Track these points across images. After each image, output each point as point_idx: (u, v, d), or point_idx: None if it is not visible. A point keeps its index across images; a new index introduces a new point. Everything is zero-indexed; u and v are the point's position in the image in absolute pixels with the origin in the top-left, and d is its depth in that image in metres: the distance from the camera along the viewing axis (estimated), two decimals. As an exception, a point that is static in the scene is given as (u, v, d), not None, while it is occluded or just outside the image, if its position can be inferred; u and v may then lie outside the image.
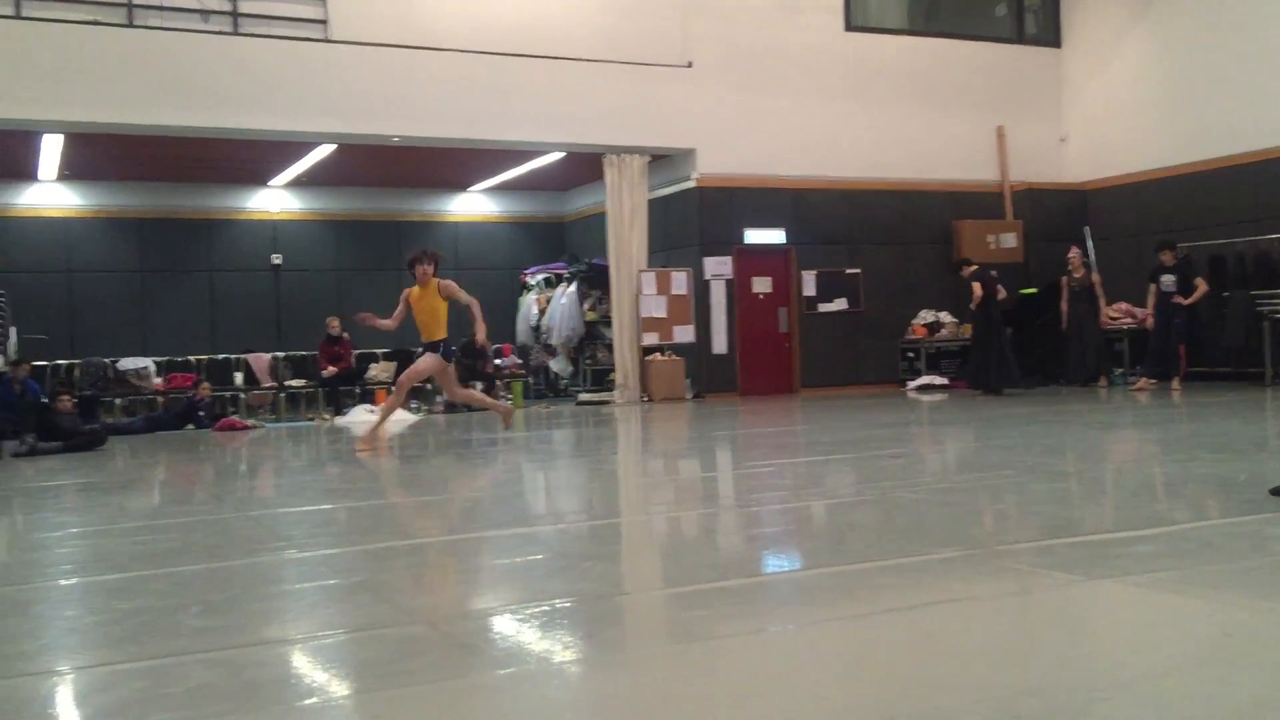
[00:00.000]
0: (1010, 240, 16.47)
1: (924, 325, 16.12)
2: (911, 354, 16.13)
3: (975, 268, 14.01)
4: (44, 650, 3.00)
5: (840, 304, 16.01)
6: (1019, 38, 17.13)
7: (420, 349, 9.45)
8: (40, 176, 15.61)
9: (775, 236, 15.73)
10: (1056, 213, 16.52)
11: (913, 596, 3.25)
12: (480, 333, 9.74)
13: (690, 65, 15.03)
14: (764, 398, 15.10)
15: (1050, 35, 17.19)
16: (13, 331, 14.16)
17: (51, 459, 9.39)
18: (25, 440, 9.93)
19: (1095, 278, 14.61)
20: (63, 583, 4.04)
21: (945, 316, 16.16)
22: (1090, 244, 15.86)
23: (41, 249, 15.93)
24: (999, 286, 13.86)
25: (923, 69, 16.30)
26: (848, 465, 6.89)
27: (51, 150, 14.02)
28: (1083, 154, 16.79)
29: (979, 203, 16.60)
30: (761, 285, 15.88)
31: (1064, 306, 14.60)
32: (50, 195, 16.06)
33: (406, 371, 9.66)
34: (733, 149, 15.24)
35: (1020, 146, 16.74)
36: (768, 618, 3.09)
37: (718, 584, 3.46)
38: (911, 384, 15.59)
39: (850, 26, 16.06)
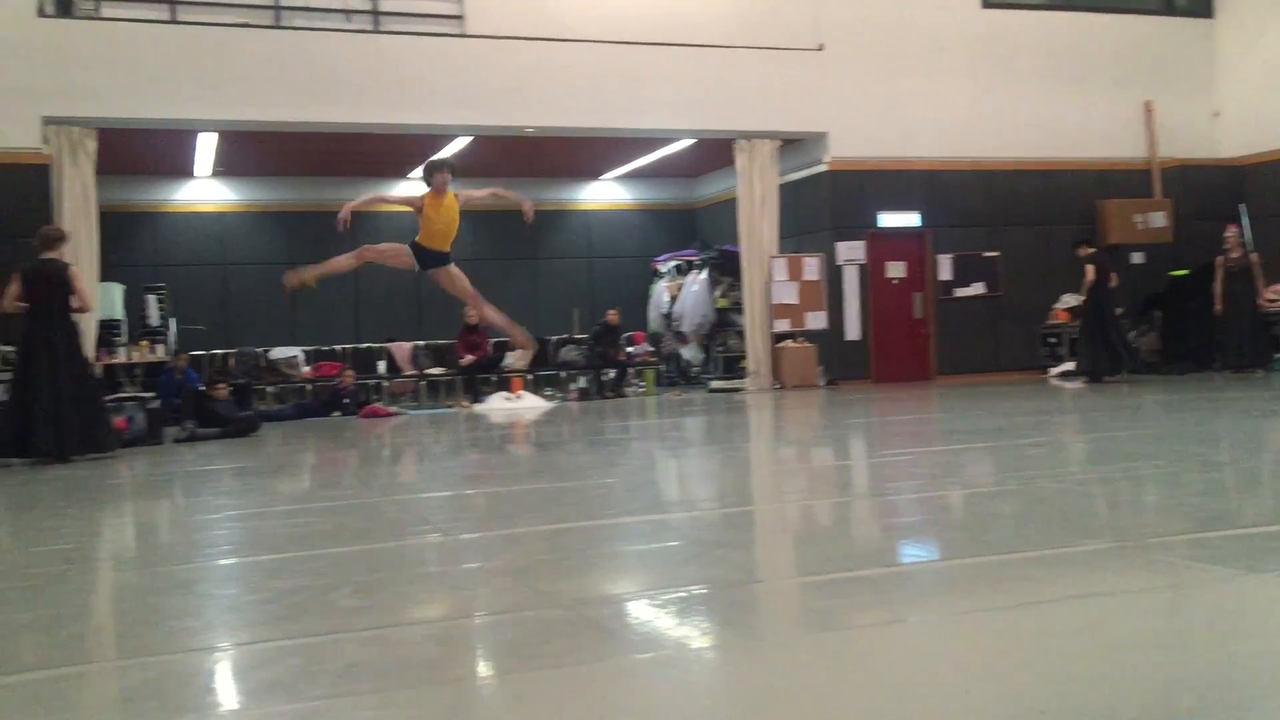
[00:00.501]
0: (1159, 219, 15.83)
1: (1067, 310, 15.62)
2: (1053, 339, 15.66)
3: (1093, 250, 13.63)
4: (206, 627, 3.17)
5: (978, 288, 15.64)
6: (1168, 9, 16.44)
7: (436, 257, 8.71)
8: (196, 173, 16.35)
9: (910, 220, 15.46)
10: (1209, 190, 15.81)
11: (1059, 589, 3.17)
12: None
13: (822, 48, 14.86)
14: (898, 385, 14.86)
15: (1202, 6, 16.45)
16: (172, 323, 14.90)
17: (209, 444, 9.85)
18: (185, 426, 10.45)
19: (1253, 258, 13.94)
20: (222, 562, 4.25)
21: (1089, 300, 15.61)
22: (1246, 222, 15.14)
23: (198, 243, 16.69)
24: (1113, 274, 13.55)
25: (1064, 44, 15.78)
26: (987, 454, 6.75)
27: (206, 148, 14.68)
28: (1237, 129, 16.02)
29: (1125, 181, 15.99)
30: (896, 270, 15.62)
31: (1218, 288, 13.94)
32: (205, 191, 16.80)
33: (471, 294, 8.99)
34: (865, 131, 15.02)
35: (1170, 122, 16.06)
36: (907, 608, 3.06)
37: (854, 573, 3.43)
38: (1054, 371, 15.14)
39: (987, 3, 15.66)
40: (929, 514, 4.70)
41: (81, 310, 8.90)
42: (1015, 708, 2.17)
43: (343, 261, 8.56)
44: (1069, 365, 15.03)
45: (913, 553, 3.90)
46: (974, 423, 8.96)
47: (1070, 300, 15.69)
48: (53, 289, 8.58)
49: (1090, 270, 13.41)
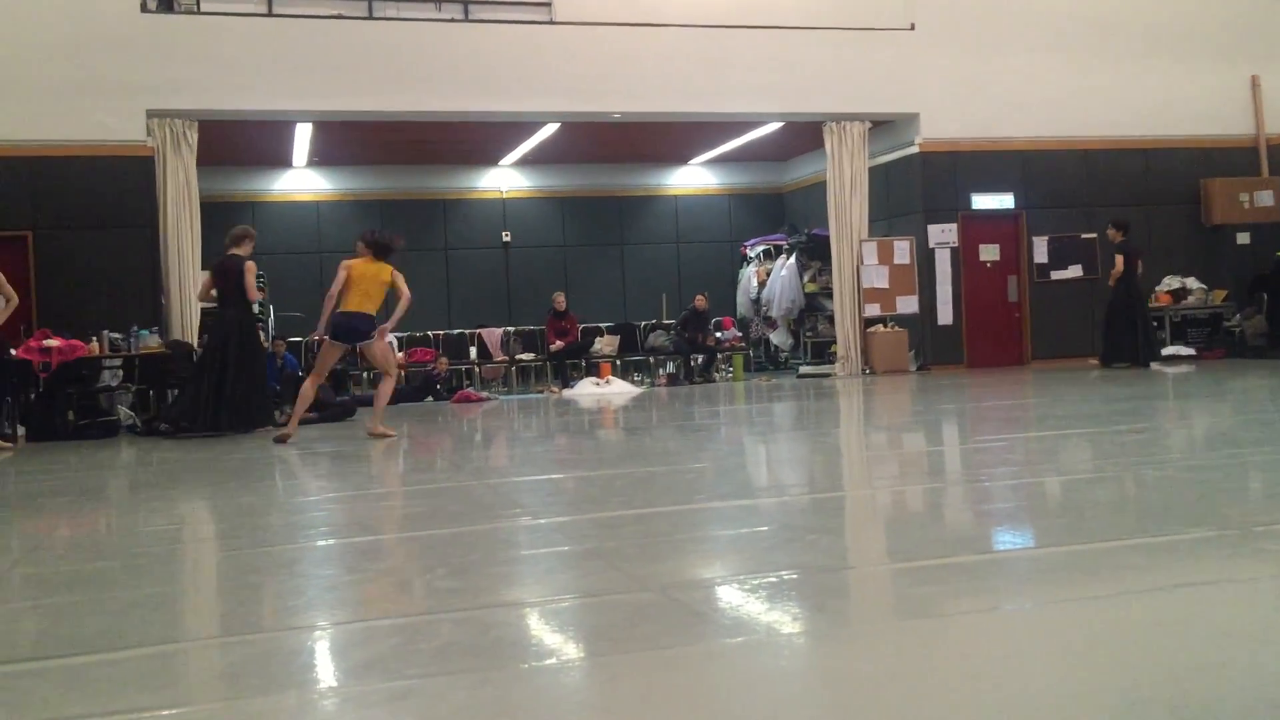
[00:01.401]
0: (1267, 198, 15.29)
1: (1168, 292, 15.20)
2: (1155, 323, 15.24)
3: (1125, 238, 13.44)
4: (307, 606, 3.25)
5: (1074, 271, 15.28)
6: (1276, -21, 15.83)
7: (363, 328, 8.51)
8: (293, 163, 16.71)
9: (1004, 201, 15.16)
10: (1320, 167, 15.23)
11: (1160, 577, 3.10)
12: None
13: (913, 27, 14.63)
14: (992, 370, 14.60)
15: (1314, -26, 15.81)
16: (271, 310, 15.27)
17: (307, 429, 10.08)
18: (284, 411, 10.70)
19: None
20: (320, 543, 4.35)
21: (1192, 282, 15.19)
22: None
23: (294, 231, 17.07)
24: (1139, 261, 13.59)
25: (1166, 17, 15.29)
26: (1085, 440, 6.60)
27: (302, 138, 14.99)
28: (1351, 102, 15.39)
29: (1231, 159, 15.47)
30: (989, 253, 15.33)
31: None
32: (301, 180, 17.17)
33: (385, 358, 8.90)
34: (958, 111, 14.75)
35: (1277, 97, 15.49)
36: (1001, 596, 3.02)
37: (948, 560, 3.39)
38: (1154, 355, 14.72)
39: (1086, -23, 15.24)
40: (1024, 500, 4.62)
41: (251, 300, 9.83)
42: (1114, 698, 2.13)
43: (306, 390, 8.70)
44: (1172, 349, 14.62)
45: (1008, 540, 3.84)
46: (1071, 408, 8.77)
47: (1174, 282, 15.26)
48: (229, 281, 9.63)
49: (1120, 260, 13.39)
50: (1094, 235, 15.21)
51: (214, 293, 9.91)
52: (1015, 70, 14.86)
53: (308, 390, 8.66)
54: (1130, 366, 13.34)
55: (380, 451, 7.81)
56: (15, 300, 9.37)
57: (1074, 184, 15.24)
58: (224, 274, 9.71)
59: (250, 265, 9.68)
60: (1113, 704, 2.10)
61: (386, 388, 8.85)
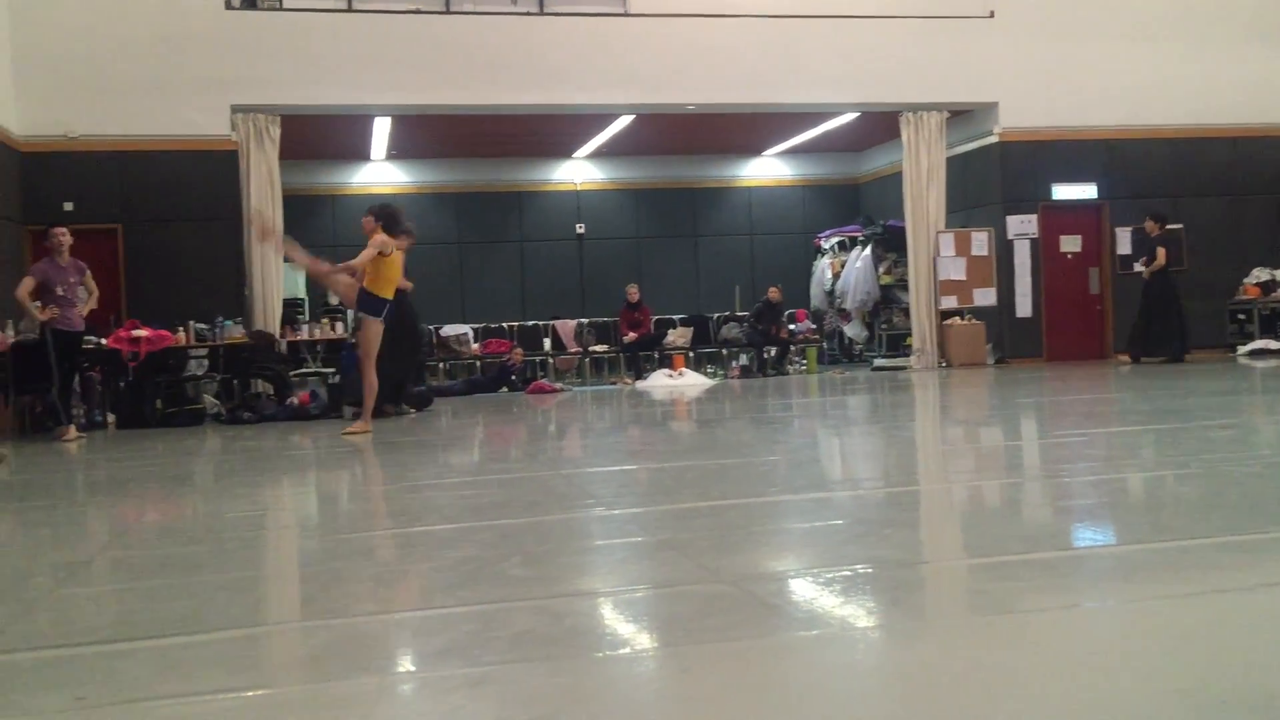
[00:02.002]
0: (1363, 188, 14.80)
1: (1257, 285, 14.79)
2: (1242, 316, 14.85)
3: (1163, 231, 13.38)
4: (385, 593, 3.31)
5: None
6: (1376, -41, 15.29)
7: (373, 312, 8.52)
8: (371, 156, 16.96)
9: (1086, 191, 14.87)
10: None
11: (1249, 576, 3.02)
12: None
13: (992, 15, 14.39)
14: (1072, 363, 14.34)
15: None
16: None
17: (385, 419, 10.24)
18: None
19: None
20: (398, 531, 4.42)
21: (1283, 274, 14.77)
22: None
23: (372, 225, 17.30)
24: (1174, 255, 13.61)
25: (1254, 3, 14.87)
26: (1169, 436, 6.45)
27: (380, 132, 15.21)
28: None
29: (1325, 147, 15.00)
30: (1070, 244, 15.06)
31: None
32: (380, 173, 17.43)
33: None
34: (1038, 100, 14.49)
35: (1377, 82, 14.99)
36: (1082, 593, 2.97)
37: (1026, 556, 3.34)
38: (1243, 349, 14.34)
39: (1171, -39, 14.87)
40: (1105, 497, 4.53)
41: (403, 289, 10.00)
42: (1198, 698, 2.09)
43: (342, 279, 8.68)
44: (1260, 343, 14.24)
45: (1088, 536, 3.78)
46: (1154, 402, 8.58)
47: (1262, 274, 14.85)
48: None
49: (1162, 253, 13.27)
50: (1179, 226, 14.83)
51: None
52: (1098, 58, 14.55)
53: (372, 379, 8.59)
54: (1166, 360, 13.28)
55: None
56: (96, 293, 9.68)
57: (1159, 174, 14.89)
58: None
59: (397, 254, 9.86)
60: (1197, 705, 2.06)
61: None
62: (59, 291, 9.25)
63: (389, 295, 8.51)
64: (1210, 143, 14.93)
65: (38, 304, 9.25)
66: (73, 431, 9.19)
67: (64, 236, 9.40)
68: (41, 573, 3.73)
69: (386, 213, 8.82)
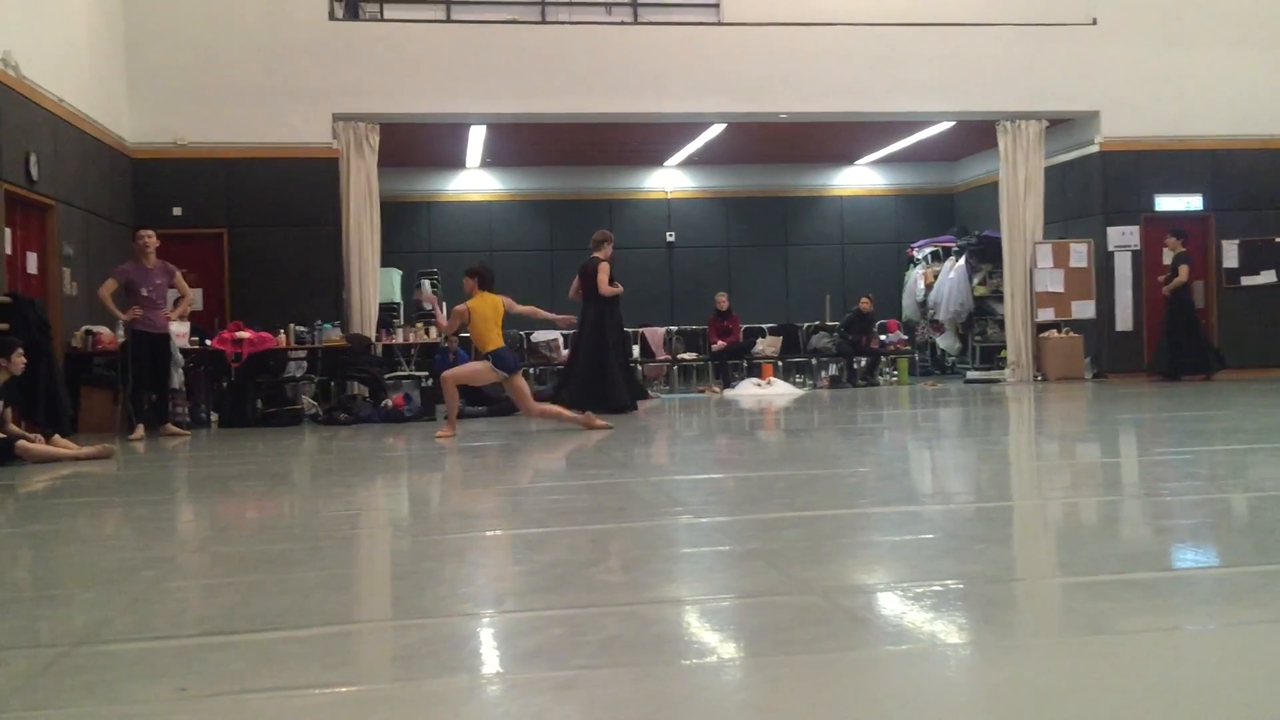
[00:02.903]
0: None
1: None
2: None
3: (1185, 249, 13.11)
4: (476, 594, 3.36)
5: (1268, 276, 14.46)
6: None
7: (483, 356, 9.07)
8: (466, 164, 17.22)
9: (1190, 203, 14.46)
10: None
11: (1358, 605, 2.91)
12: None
13: (1095, 22, 14.08)
14: (1175, 379, 13.93)
15: None
16: (443, 306, 15.76)
17: (476, 422, 10.39)
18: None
19: None
20: (489, 534, 4.49)
21: (1402, 289, 14.18)
22: None
23: (466, 231, 17.59)
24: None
25: (1375, 8, 14.31)
26: (1276, 456, 6.24)
27: (475, 140, 15.43)
28: None
29: None
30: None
31: None
32: (474, 181, 17.67)
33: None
34: (1142, 109, 14.13)
35: None
36: (1182, 615, 2.89)
37: (1123, 575, 3.27)
38: (1357, 367, 13.82)
39: (1284, -35, 14.40)
40: (1208, 517, 4.40)
41: (605, 294, 10.99)
42: (1306, 729, 2.02)
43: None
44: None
45: (1190, 557, 3.67)
46: (1262, 421, 8.30)
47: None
48: (588, 280, 11.03)
49: (1185, 271, 13.20)
50: (1290, 239, 14.35)
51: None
52: (1204, 66, 14.14)
53: (453, 390, 8.99)
54: (1205, 378, 13.29)
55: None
56: (190, 297, 9.90)
57: (1268, 184, 14.42)
58: (585, 274, 11.11)
59: (604, 265, 10.95)
60: (1303, 735, 1.99)
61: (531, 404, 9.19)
62: (144, 293, 9.41)
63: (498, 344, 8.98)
64: (1324, 153, 14.41)
65: (127, 306, 9.45)
66: (140, 431, 9.38)
67: (150, 239, 9.54)
68: (147, 566, 3.86)
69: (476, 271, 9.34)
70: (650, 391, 14.17)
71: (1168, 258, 13.88)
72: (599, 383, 10.86)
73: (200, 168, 12.64)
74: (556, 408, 9.38)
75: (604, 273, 10.92)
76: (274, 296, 12.30)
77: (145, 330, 9.45)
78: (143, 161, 12.52)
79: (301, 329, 11.69)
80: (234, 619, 3.03)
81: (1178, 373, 13.48)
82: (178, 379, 10.10)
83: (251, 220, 12.76)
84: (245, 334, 10.98)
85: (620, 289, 11.21)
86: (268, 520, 5.16)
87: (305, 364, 11.79)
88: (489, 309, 8.96)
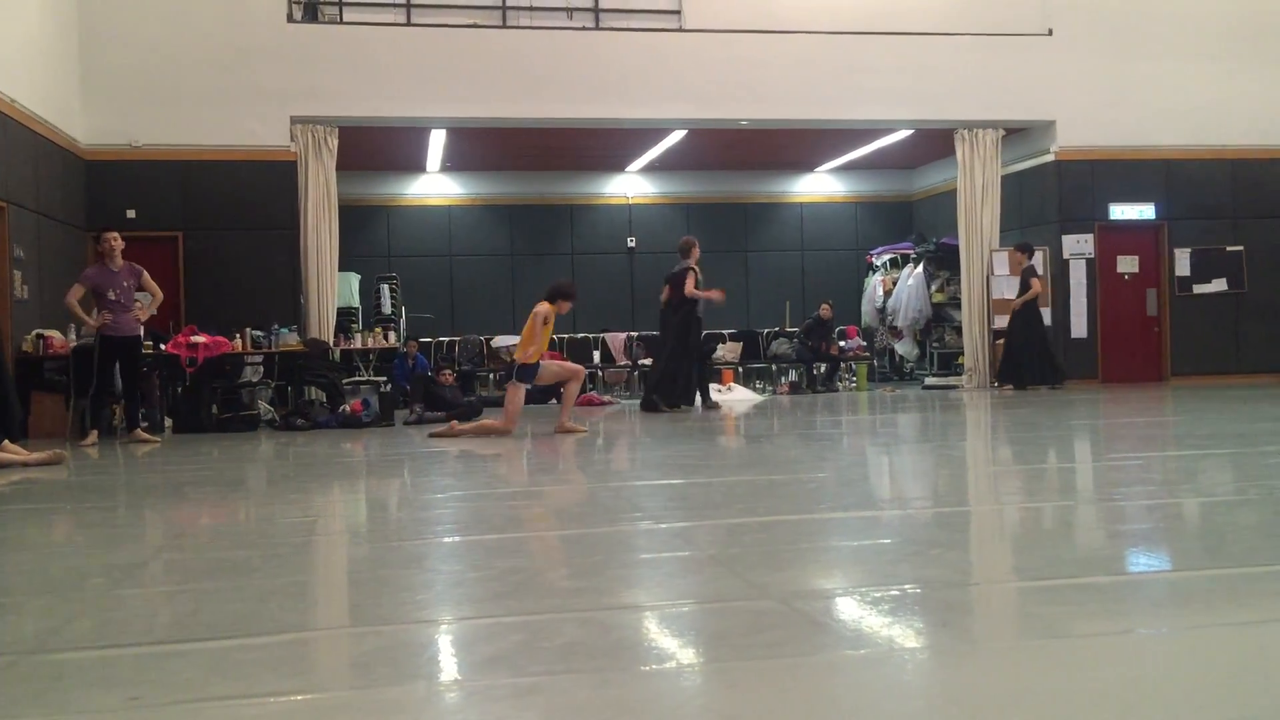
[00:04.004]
0: None
1: None
2: None
3: (1030, 263, 13.35)
4: (435, 601, 3.34)
5: (1219, 284, 14.71)
6: None
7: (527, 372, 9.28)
8: (426, 168, 17.14)
9: (1144, 212, 14.68)
10: None
11: (1307, 607, 2.96)
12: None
13: (1050, 33, 14.26)
14: (1128, 385, 14.14)
15: None
16: (403, 311, 15.68)
17: (436, 427, 10.32)
18: (414, 410, 11.00)
19: None
20: (447, 540, 4.45)
21: (1348, 298, 14.47)
22: None
23: (426, 235, 17.52)
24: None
25: (1323, 21, 14.61)
26: (1227, 461, 6.34)
27: (436, 144, 15.37)
28: None
29: (1393, 169, 14.69)
30: (1127, 265, 14.86)
31: None
32: (434, 185, 17.60)
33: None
34: (1097, 119, 14.34)
35: None
36: (1136, 619, 2.92)
37: (1078, 580, 3.30)
38: (1305, 373, 14.08)
39: (1235, -21, 14.66)
40: (1160, 522, 4.46)
41: (691, 299, 11.69)
42: (1256, 730, 2.05)
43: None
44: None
45: (1143, 561, 3.72)
46: (1213, 427, 8.43)
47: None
48: (677, 286, 11.69)
49: (1037, 283, 13.38)
50: (1240, 248, 14.62)
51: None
52: (1159, 77, 14.37)
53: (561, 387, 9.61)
54: (1052, 387, 13.49)
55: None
56: (160, 296, 9.76)
57: (1219, 194, 14.67)
58: (674, 282, 11.81)
59: (691, 272, 11.61)
60: (1253, 736, 2.02)
61: (573, 389, 9.59)
62: (111, 296, 9.27)
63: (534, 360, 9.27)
64: (1273, 163, 14.68)
65: (93, 310, 9.33)
66: (94, 436, 9.25)
67: (115, 241, 9.39)
68: (97, 573, 3.80)
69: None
70: (609, 398, 14.17)
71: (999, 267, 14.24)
72: (672, 383, 11.62)
73: (155, 170, 12.49)
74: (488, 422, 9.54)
75: (690, 279, 11.59)
76: (230, 300, 12.18)
77: (114, 335, 9.29)
78: (96, 163, 12.36)
79: (258, 333, 11.58)
80: (187, 627, 2.99)
81: (1024, 382, 13.65)
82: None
83: (207, 223, 12.63)
84: (200, 338, 10.86)
85: (716, 296, 11.72)
86: (222, 527, 5.10)
87: (262, 369, 11.69)
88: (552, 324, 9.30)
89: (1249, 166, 14.71)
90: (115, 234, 9.49)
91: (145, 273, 9.63)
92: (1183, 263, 14.72)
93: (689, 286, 11.53)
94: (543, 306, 9.20)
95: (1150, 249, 14.81)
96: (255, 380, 11.61)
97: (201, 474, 7.24)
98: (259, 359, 11.68)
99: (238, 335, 11.43)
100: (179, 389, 10.89)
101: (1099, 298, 14.57)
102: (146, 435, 9.51)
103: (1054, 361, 13.91)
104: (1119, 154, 14.51)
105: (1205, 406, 10.41)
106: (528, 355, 9.13)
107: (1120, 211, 14.64)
